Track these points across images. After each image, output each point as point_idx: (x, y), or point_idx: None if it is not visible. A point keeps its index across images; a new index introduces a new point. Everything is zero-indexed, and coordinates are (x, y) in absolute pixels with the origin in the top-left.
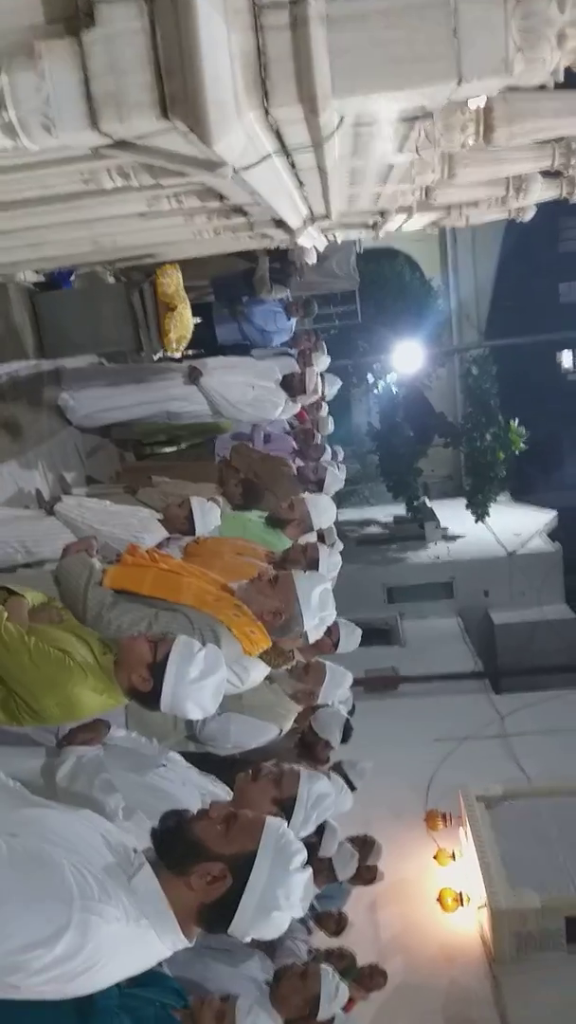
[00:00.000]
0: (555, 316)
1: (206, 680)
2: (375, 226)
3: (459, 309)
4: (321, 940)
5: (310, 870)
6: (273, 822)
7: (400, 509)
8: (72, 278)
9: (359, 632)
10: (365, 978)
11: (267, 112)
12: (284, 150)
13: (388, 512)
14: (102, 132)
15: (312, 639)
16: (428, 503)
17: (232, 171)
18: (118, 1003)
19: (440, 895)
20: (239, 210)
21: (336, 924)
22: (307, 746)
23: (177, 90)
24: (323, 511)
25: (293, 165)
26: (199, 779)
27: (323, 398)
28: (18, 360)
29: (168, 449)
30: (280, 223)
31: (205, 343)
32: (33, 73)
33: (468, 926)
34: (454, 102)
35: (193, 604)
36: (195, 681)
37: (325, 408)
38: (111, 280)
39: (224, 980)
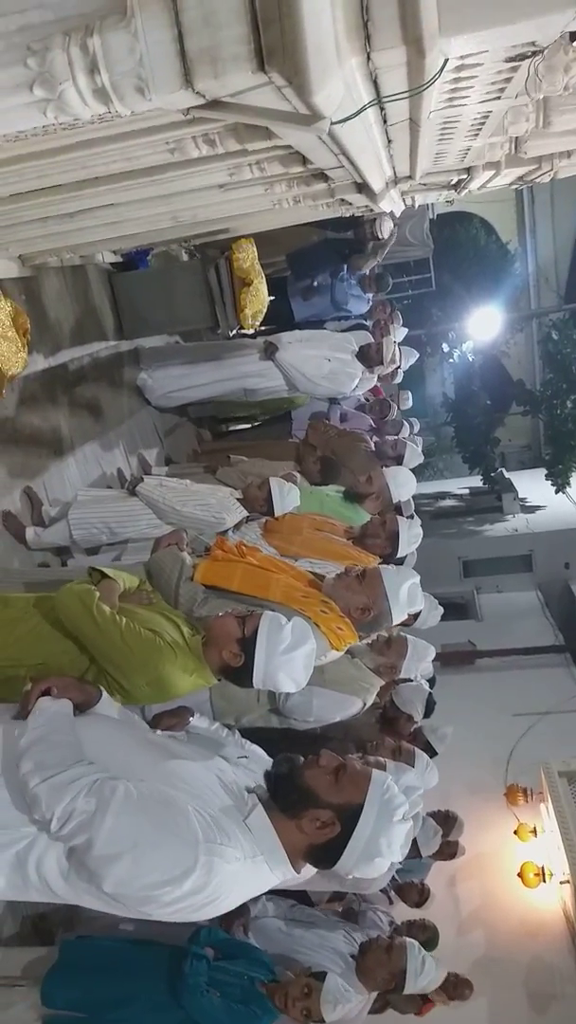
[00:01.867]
0: None
1: (296, 651)
2: (458, 186)
3: (537, 273)
4: (402, 912)
5: (411, 822)
6: (379, 775)
7: (476, 481)
8: (148, 258)
9: (440, 609)
10: (449, 986)
11: (368, 57)
12: (379, 101)
13: (464, 484)
14: (196, 91)
15: (396, 622)
16: (505, 474)
17: (328, 125)
18: (207, 978)
19: (521, 870)
20: (321, 175)
21: (419, 895)
22: (389, 720)
23: (274, 41)
24: (402, 484)
25: (385, 120)
26: (237, 781)
27: (399, 369)
28: (98, 341)
29: (244, 426)
30: (362, 187)
31: (280, 319)
32: (126, 32)
33: (551, 901)
34: (562, 39)
35: (282, 601)
36: (285, 652)
37: (399, 378)
38: (186, 258)
39: (311, 952)
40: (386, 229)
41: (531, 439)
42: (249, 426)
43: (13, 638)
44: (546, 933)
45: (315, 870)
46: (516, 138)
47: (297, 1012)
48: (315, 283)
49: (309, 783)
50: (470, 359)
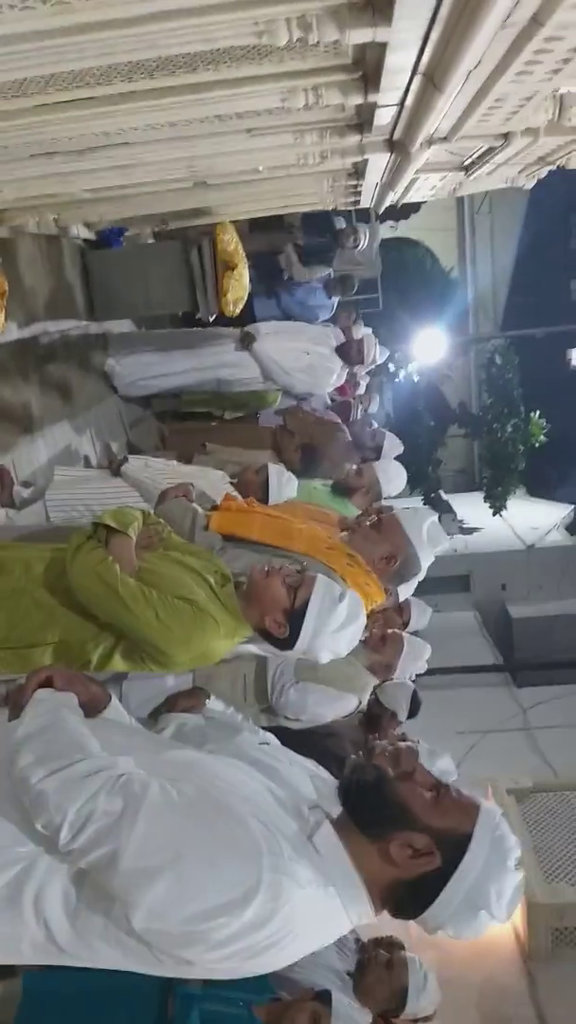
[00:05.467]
0: (566, 313)
1: (346, 630)
2: (469, 168)
3: (476, 301)
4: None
5: (522, 873)
6: (490, 806)
7: (417, 501)
8: (122, 238)
9: (430, 610)
10: None
11: None
12: None
13: (403, 504)
14: None
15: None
16: (444, 495)
17: None
18: (198, 1010)
19: None
20: (357, 127)
21: None
22: (372, 719)
23: None
24: (393, 477)
25: None
26: (303, 760)
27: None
28: (70, 319)
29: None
30: (395, 145)
31: (241, 320)
32: None
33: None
34: None
35: (306, 552)
36: (336, 631)
37: (365, 382)
38: (150, 240)
39: (305, 969)
40: (366, 239)
41: (466, 463)
42: (212, 424)
43: (19, 615)
44: (498, 953)
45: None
46: (563, 99)
47: None
48: (278, 282)
49: (405, 797)
50: (415, 380)
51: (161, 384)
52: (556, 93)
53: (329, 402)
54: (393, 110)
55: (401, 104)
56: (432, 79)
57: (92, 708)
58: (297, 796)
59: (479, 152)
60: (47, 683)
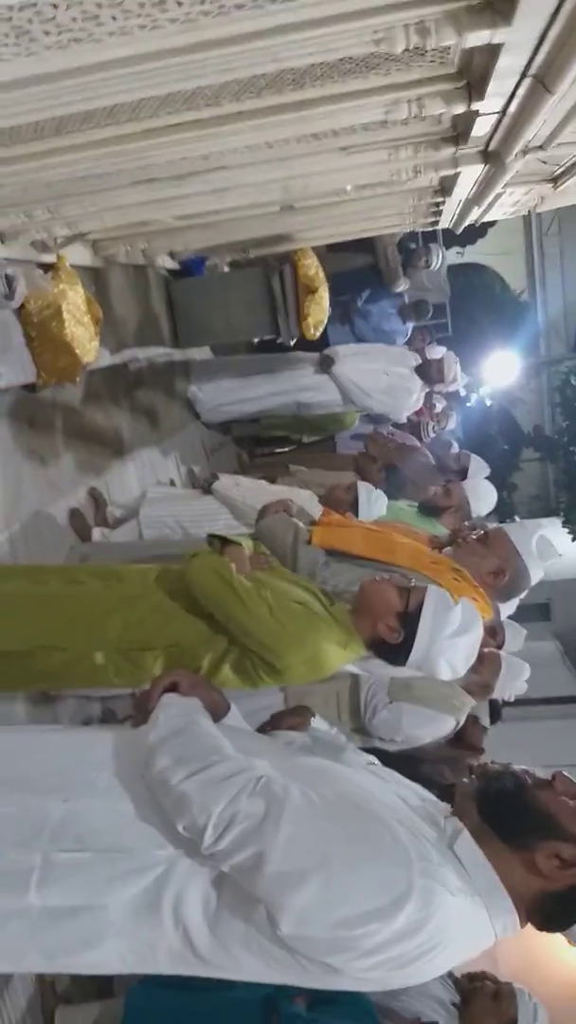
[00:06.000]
0: None
1: (463, 637)
2: (557, 180)
3: (547, 323)
4: None
5: None
6: None
7: None
8: (205, 266)
9: (524, 632)
10: None
11: None
12: None
13: None
14: None
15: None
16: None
17: None
18: None
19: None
20: (453, 138)
21: None
22: (458, 732)
23: None
24: (483, 496)
25: None
26: (411, 783)
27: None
28: (156, 346)
29: (285, 449)
30: (490, 155)
31: (315, 346)
32: None
33: None
34: None
35: (410, 566)
36: (452, 636)
37: (442, 404)
38: (226, 269)
39: (409, 999)
40: (437, 259)
41: (540, 489)
42: (290, 448)
43: (136, 618)
44: None
45: None
46: None
47: None
48: (353, 307)
49: (548, 805)
50: (487, 403)
51: (242, 409)
52: None
53: (404, 422)
54: (494, 118)
55: (503, 111)
56: (543, 81)
57: (213, 714)
58: (429, 804)
59: (572, 159)
60: (172, 688)
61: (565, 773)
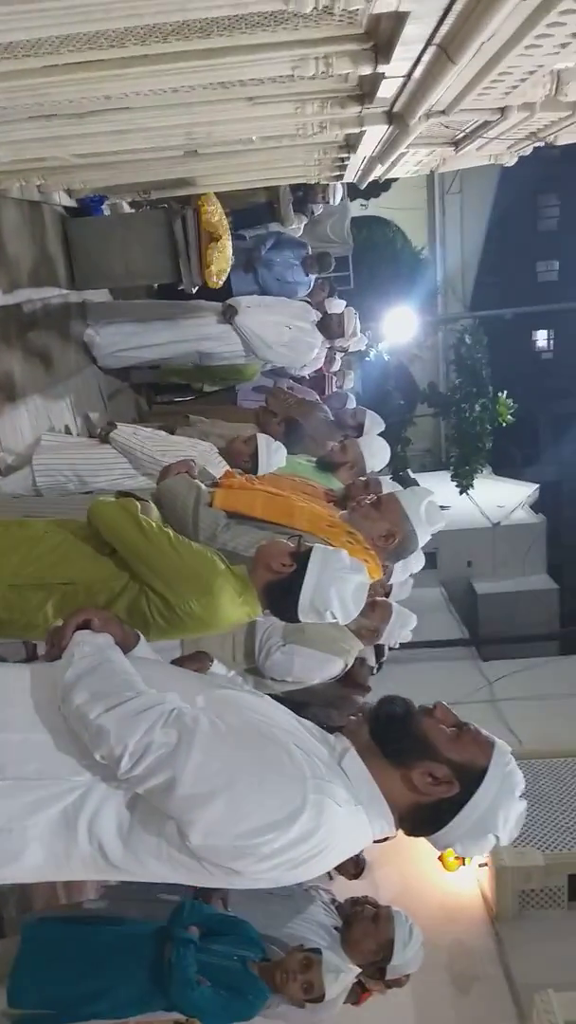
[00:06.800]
0: (533, 294)
1: (352, 576)
2: (459, 144)
3: (445, 281)
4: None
5: (526, 803)
6: (502, 744)
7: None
8: (103, 206)
9: (411, 582)
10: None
11: None
12: None
13: None
14: None
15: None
16: (411, 474)
17: None
18: (196, 966)
19: (442, 855)
20: (359, 97)
21: (355, 867)
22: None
23: None
24: (377, 452)
25: None
26: (308, 723)
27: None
28: (51, 287)
29: (185, 397)
30: (394, 117)
31: (218, 294)
32: None
33: (469, 885)
34: None
35: (308, 529)
36: (341, 571)
37: (341, 357)
38: (127, 209)
39: (294, 926)
40: (337, 195)
41: (433, 442)
42: (191, 397)
43: (33, 555)
44: (466, 915)
45: None
46: (559, 75)
47: (297, 988)
48: (256, 255)
49: (429, 732)
50: (385, 359)
51: (141, 356)
52: (555, 69)
53: (306, 377)
54: (399, 82)
55: (408, 76)
56: (447, 50)
57: (124, 647)
58: (320, 728)
59: (473, 126)
60: (84, 625)
61: (445, 703)
